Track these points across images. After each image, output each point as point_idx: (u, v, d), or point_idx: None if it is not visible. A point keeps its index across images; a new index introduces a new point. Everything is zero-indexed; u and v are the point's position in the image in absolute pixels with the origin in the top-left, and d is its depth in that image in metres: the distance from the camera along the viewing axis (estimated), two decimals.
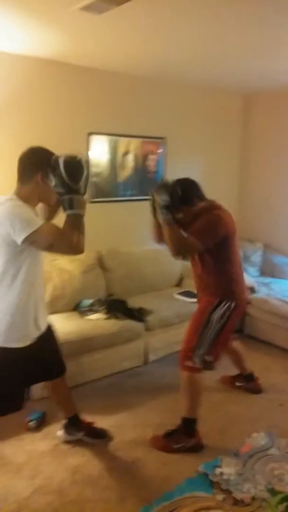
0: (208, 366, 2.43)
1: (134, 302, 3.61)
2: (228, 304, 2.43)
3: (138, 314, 3.43)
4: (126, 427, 2.68)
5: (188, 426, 2.44)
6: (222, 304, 2.43)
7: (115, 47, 3.05)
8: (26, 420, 2.64)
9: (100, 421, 2.66)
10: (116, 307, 3.36)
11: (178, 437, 2.44)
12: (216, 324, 2.41)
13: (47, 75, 3.46)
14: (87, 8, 2.24)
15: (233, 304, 2.44)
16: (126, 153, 4.08)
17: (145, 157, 4.22)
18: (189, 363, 2.40)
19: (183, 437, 2.43)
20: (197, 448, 2.42)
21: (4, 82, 3.27)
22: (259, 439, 2.45)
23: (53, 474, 2.27)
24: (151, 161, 4.29)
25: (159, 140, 4.27)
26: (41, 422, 2.68)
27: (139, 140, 4.13)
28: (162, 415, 2.78)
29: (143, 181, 4.22)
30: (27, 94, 3.39)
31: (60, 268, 3.54)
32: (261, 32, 2.65)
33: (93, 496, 2.12)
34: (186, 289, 3.94)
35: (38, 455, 2.42)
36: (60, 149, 3.72)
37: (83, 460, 2.38)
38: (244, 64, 3.49)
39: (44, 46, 3.05)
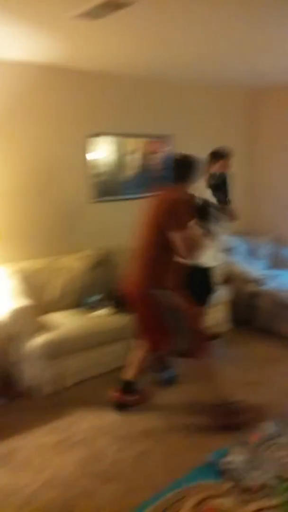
0: None
1: None
2: None
3: None
4: (133, 419, 2.68)
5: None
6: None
7: (114, 51, 3.05)
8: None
9: (108, 414, 2.67)
10: (124, 301, 3.36)
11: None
12: None
13: (48, 80, 3.48)
14: (84, 14, 2.23)
15: None
16: (131, 152, 4.09)
17: (150, 155, 4.22)
18: None
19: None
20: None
21: (5, 90, 3.30)
22: (268, 427, 2.42)
23: (61, 468, 2.28)
24: (156, 159, 4.28)
25: (165, 138, 4.26)
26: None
27: (144, 139, 4.13)
28: (172, 405, 2.78)
29: (149, 179, 4.22)
30: (29, 100, 3.42)
31: (67, 265, 3.57)
32: (264, 30, 2.63)
33: (101, 488, 2.13)
34: None
35: (45, 449, 2.43)
36: (65, 151, 3.79)
37: (89, 453, 2.39)
38: (248, 62, 3.49)
39: (43, 53, 3.06)
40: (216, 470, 2.12)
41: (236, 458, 2.16)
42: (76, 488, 2.13)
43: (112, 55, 3.17)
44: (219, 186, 3.05)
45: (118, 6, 2.11)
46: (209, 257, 3.15)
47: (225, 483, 2.02)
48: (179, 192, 2.52)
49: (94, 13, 2.22)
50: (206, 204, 2.64)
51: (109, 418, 2.66)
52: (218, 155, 3.14)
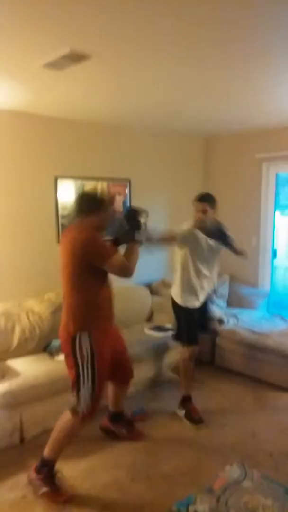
0: None
1: None
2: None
3: None
4: (96, 471, 2.61)
5: None
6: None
7: (78, 99, 3.19)
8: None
9: (71, 467, 2.59)
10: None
11: None
12: None
13: (12, 125, 3.55)
14: (49, 65, 2.37)
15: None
16: None
17: (112, 198, 4.32)
18: None
19: None
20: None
21: None
22: (232, 472, 2.44)
23: None
24: (118, 202, 4.40)
25: (126, 181, 4.41)
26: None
27: (105, 182, 4.25)
28: (135, 454, 2.74)
29: (110, 221, 4.30)
30: None
31: (28, 309, 3.53)
32: (218, 85, 2.85)
33: None
34: (157, 324, 3.99)
35: (6, 507, 2.32)
36: (29, 193, 3.82)
37: (51, 510, 2.29)
38: (203, 112, 3.74)
39: (9, 98, 3.15)
40: None
41: (201, 506, 2.16)
42: None
43: (75, 103, 3.31)
44: (216, 234, 3.10)
45: (78, 59, 2.28)
46: (201, 298, 3.24)
47: None
48: (87, 225, 2.46)
49: (58, 64, 2.37)
50: (132, 212, 2.62)
51: (72, 470, 2.58)
52: (195, 199, 3.20)
